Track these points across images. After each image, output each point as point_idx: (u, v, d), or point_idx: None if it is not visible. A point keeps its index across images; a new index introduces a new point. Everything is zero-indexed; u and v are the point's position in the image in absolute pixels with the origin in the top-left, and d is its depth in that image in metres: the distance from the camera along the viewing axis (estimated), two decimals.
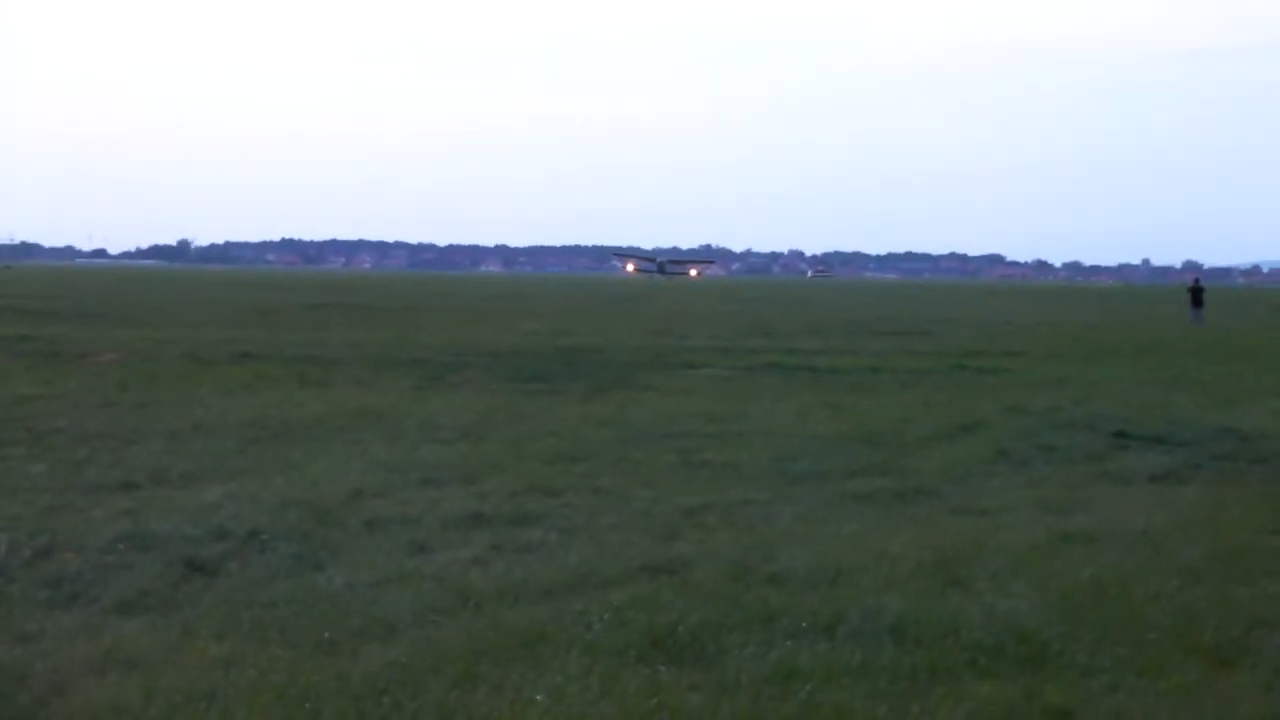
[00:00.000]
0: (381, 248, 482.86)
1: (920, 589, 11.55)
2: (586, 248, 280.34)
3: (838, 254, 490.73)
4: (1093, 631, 10.39)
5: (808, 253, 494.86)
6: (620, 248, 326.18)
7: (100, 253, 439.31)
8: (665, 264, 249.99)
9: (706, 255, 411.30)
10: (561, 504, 15.68)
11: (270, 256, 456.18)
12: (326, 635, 10.20)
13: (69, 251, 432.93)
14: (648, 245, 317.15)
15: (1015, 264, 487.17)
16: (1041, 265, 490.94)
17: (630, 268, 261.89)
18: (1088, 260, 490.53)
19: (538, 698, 8.87)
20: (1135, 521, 14.71)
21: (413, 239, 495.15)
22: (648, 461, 18.97)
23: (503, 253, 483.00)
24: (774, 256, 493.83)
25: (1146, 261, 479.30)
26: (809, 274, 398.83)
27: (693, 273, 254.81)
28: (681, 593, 11.32)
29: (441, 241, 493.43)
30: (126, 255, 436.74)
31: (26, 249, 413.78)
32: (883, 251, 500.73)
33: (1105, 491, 17.13)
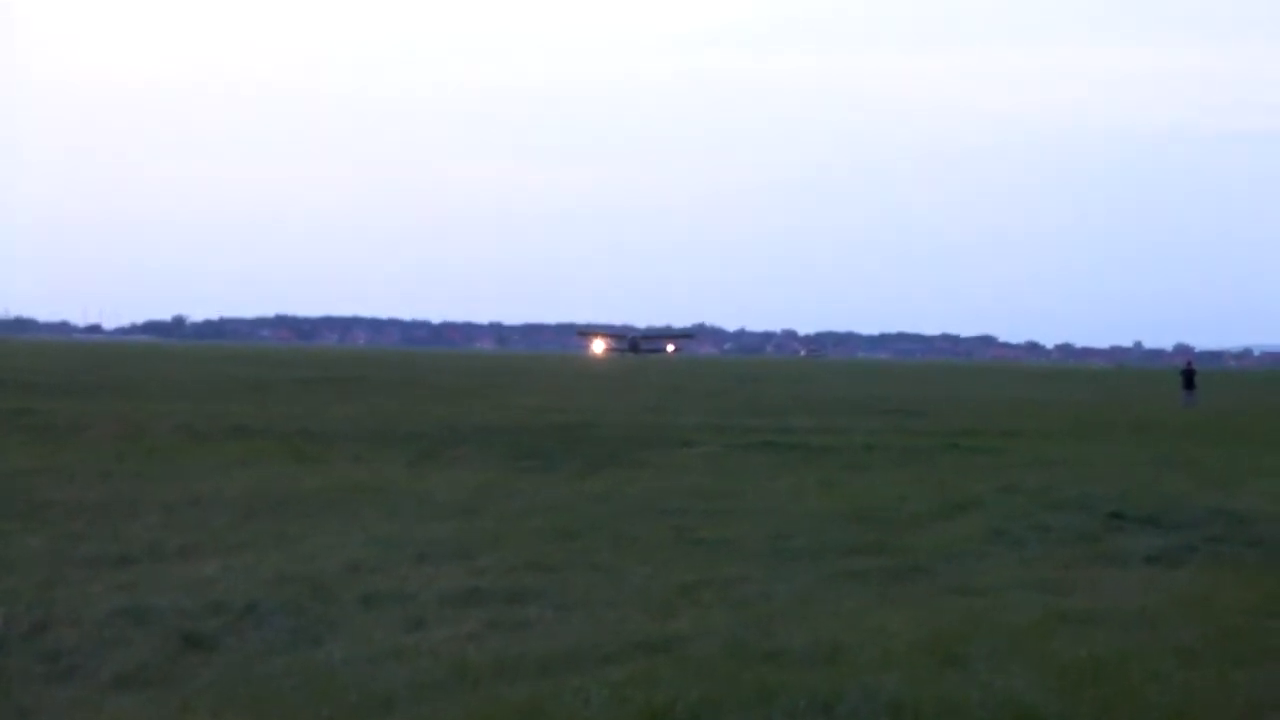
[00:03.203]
0: (375, 324, 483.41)
1: (918, 667, 11.54)
2: (585, 327, 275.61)
3: (831, 334, 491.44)
4: (1091, 711, 10.39)
5: (801, 332, 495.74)
6: (585, 325, 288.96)
7: (95, 328, 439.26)
8: (638, 341, 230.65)
9: (700, 333, 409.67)
10: (557, 580, 15.67)
11: (265, 332, 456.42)
12: (324, 711, 10.19)
13: (64, 327, 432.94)
14: (640, 324, 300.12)
15: (1007, 345, 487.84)
16: (1033, 346, 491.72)
17: (599, 348, 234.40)
18: (1080, 342, 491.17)
19: None
20: (1131, 602, 14.72)
21: (406, 316, 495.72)
22: (643, 538, 18.97)
23: (496, 330, 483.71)
24: (767, 336, 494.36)
25: (1139, 344, 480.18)
26: (802, 353, 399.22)
27: (669, 349, 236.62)
28: (679, 670, 11.32)
29: (435, 319, 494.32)
30: (121, 330, 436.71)
31: (21, 324, 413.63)
32: (875, 332, 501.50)
33: (1101, 572, 17.13)
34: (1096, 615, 14.05)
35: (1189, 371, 75.34)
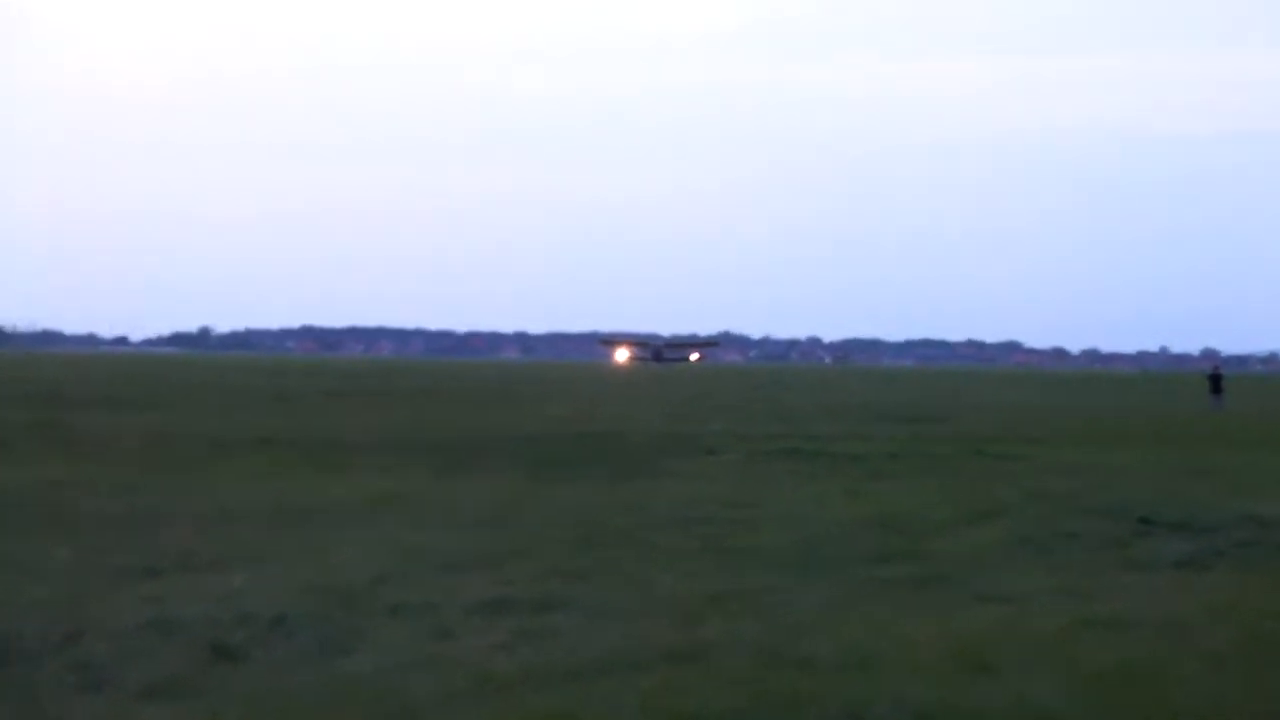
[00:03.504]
0: (401, 335, 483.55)
1: (946, 675, 11.52)
2: (608, 335, 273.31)
3: (855, 341, 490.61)
4: (1120, 718, 10.36)
5: (825, 339, 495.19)
6: (609, 334, 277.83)
7: (122, 340, 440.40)
8: (662, 349, 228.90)
9: (724, 340, 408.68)
10: (585, 589, 15.67)
11: (290, 343, 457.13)
12: None
13: (90, 339, 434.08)
14: (665, 332, 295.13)
15: (1033, 351, 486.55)
16: (1059, 352, 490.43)
17: (622, 356, 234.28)
18: (1105, 347, 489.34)
19: None
20: (1160, 608, 14.68)
21: (432, 326, 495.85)
22: (670, 547, 18.96)
23: (521, 339, 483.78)
24: (792, 343, 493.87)
25: (1164, 349, 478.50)
26: (828, 360, 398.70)
27: (693, 358, 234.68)
28: (707, 679, 11.31)
29: (460, 329, 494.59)
30: (148, 342, 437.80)
31: (48, 336, 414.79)
32: (900, 338, 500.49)
33: (1129, 578, 17.08)
34: (1125, 621, 14.01)
35: (1216, 376, 75.17)
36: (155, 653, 12.34)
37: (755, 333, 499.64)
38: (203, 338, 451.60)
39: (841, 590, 15.92)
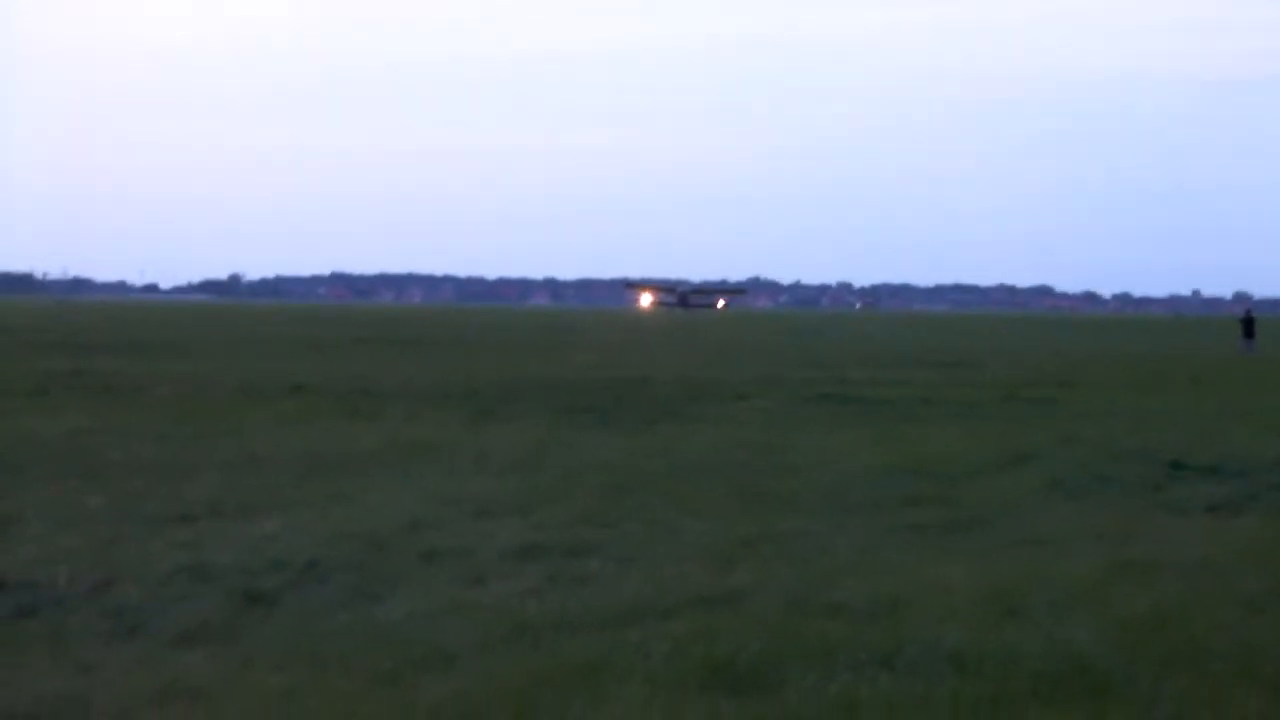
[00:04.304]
0: (431, 281, 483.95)
1: (979, 619, 11.50)
2: (634, 280, 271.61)
3: (886, 286, 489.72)
4: (1154, 661, 10.33)
5: (856, 284, 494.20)
6: (633, 279, 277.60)
7: (152, 287, 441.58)
8: (688, 294, 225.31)
9: (755, 286, 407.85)
10: (616, 535, 15.69)
11: (321, 290, 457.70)
12: (385, 667, 10.22)
13: (121, 287, 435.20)
14: (695, 277, 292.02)
15: (1064, 295, 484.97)
16: (1091, 297, 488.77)
17: (647, 301, 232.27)
18: (1137, 291, 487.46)
19: None
20: (1193, 552, 14.64)
21: (461, 273, 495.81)
22: (700, 493, 18.96)
23: (551, 286, 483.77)
24: (822, 289, 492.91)
25: (1196, 292, 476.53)
26: (857, 306, 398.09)
27: (720, 304, 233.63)
28: (739, 624, 11.31)
29: (490, 275, 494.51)
30: (178, 290, 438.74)
31: (79, 284, 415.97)
32: (931, 283, 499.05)
33: (1162, 522, 17.04)
34: (1158, 565, 13.97)
35: (1248, 319, 74.81)
36: (188, 599, 12.39)
37: (786, 278, 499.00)
38: (233, 285, 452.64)
39: (873, 535, 15.91)
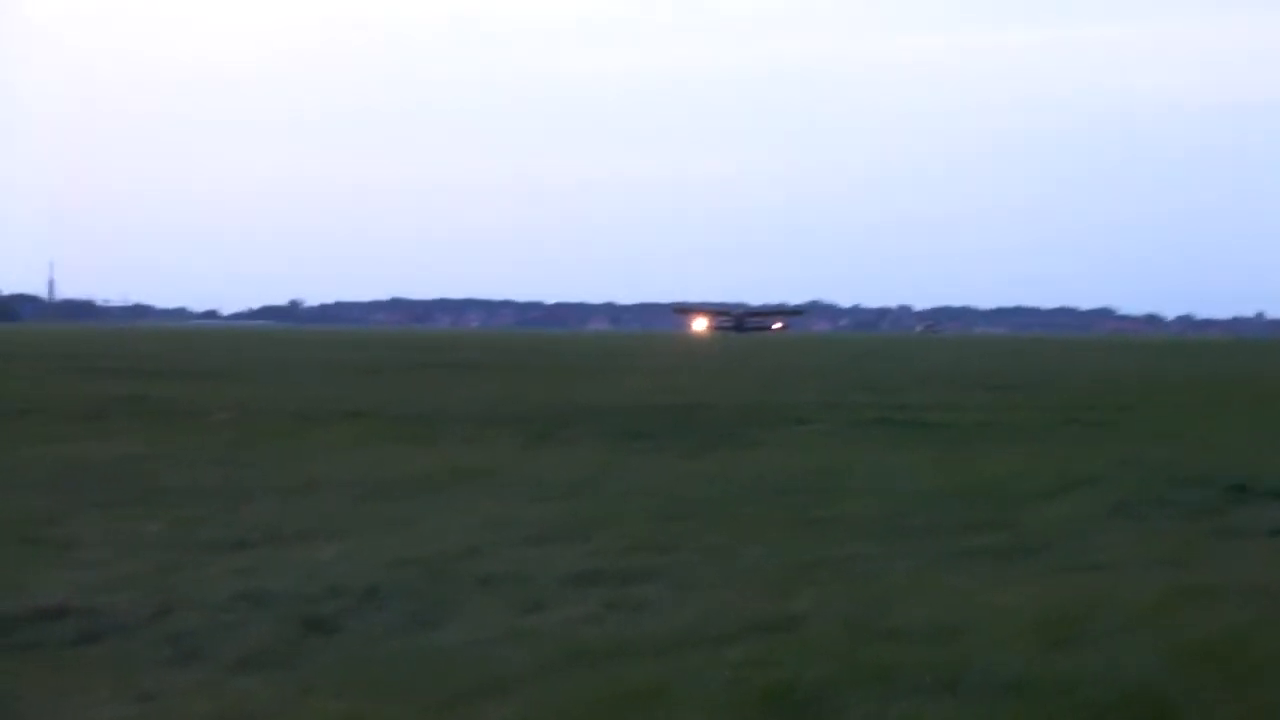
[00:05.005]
0: (489, 306, 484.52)
1: (1038, 645, 11.43)
2: (686, 304, 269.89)
3: (946, 309, 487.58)
4: (1215, 689, 10.24)
5: (916, 307, 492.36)
6: (683, 303, 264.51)
7: (212, 314, 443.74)
8: (744, 317, 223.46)
9: (814, 309, 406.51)
10: (672, 561, 15.65)
11: (379, 316, 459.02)
12: (444, 693, 10.22)
13: (181, 313, 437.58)
14: (754, 301, 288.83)
15: (1126, 318, 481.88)
16: (1153, 319, 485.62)
17: (701, 325, 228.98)
18: (1200, 313, 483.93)
19: None
20: (1256, 577, 14.51)
21: (520, 297, 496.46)
22: (757, 517, 18.91)
23: (610, 310, 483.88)
24: (882, 312, 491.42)
25: (1260, 314, 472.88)
26: (918, 329, 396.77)
27: (776, 326, 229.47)
28: (797, 649, 11.27)
29: (549, 300, 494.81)
30: (238, 316, 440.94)
31: (139, 310, 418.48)
32: (991, 306, 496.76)
33: (1224, 546, 16.89)
34: (1220, 590, 13.84)
35: None
36: (247, 625, 12.42)
37: (845, 301, 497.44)
38: (292, 310, 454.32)
39: (931, 560, 15.82)
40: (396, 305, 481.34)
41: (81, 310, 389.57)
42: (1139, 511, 19.68)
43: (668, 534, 17.35)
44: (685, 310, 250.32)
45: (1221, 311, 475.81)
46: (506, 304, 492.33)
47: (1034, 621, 12.27)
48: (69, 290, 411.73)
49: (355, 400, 41.93)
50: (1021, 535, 17.55)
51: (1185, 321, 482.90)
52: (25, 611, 12.72)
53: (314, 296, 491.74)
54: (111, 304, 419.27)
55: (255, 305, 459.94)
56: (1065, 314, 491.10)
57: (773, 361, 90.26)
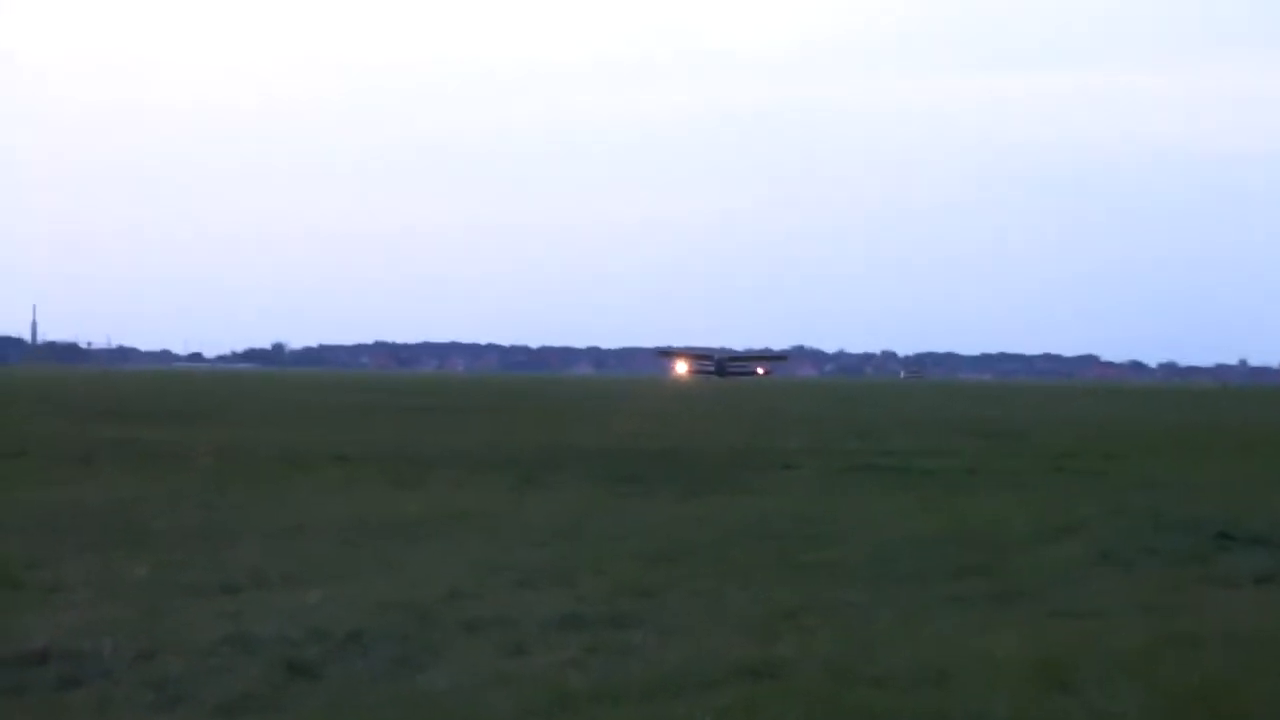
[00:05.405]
0: (474, 350, 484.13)
1: (1026, 692, 11.41)
2: (669, 348, 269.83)
3: (930, 355, 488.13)
4: None
5: (900, 353, 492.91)
6: (668, 347, 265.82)
7: (196, 356, 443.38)
8: (725, 362, 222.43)
9: (799, 354, 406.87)
10: (659, 605, 15.62)
11: (364, 359, 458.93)
12: None
13: (165, 355, 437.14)
14: (739, 346, 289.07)
15: (1110, 364, 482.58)
16: (1137, 365, 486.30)
17: (683, 369, 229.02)
18: (1184, 360, 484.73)
19: None
20: (1242, 623, 14.50)
21: (505, 341, 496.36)
22: (744, 562, 18.89)
23: (594, 354, 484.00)
24: (866, 357, 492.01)
25: (1243, 361, 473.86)
26: (902, 374, 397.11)
27: (759, 371, 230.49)
28: (783, 695, 11.24)
29: (534, 344, 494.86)
30: (222, 358, 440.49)
31: (123, 353, 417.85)
32: (976, 352, 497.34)
33: (1210, 593, 16.89)
34: (1206, 637, 13.84)
35: None
36: (231, 670, 12.37)
37: (830, 347, 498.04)
38: (276, 354, 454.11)
39: (918, 605, 15.80)
40: (381, 348, 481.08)
41: (66, 353, 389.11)
42: (1125, 558, 19.68)
43: (654, 578, 17.32)
44: (668, 354, 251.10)
45: (1205, 358, 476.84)
46: (491, 347, 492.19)
47: (1021, 668, 12.25)
48: (53, 333, 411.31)
49: (341, 443, 41.87)
50: (1008, 581, 17.53)
51: (1169, 368, 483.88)
52: (8, 655, 12.66)
53: (298, 339, 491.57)
54: (95, 346, 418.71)
55: (239, 348, 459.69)
56: (1049, 360, 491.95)
57: (759, 406, 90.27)
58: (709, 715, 10.52)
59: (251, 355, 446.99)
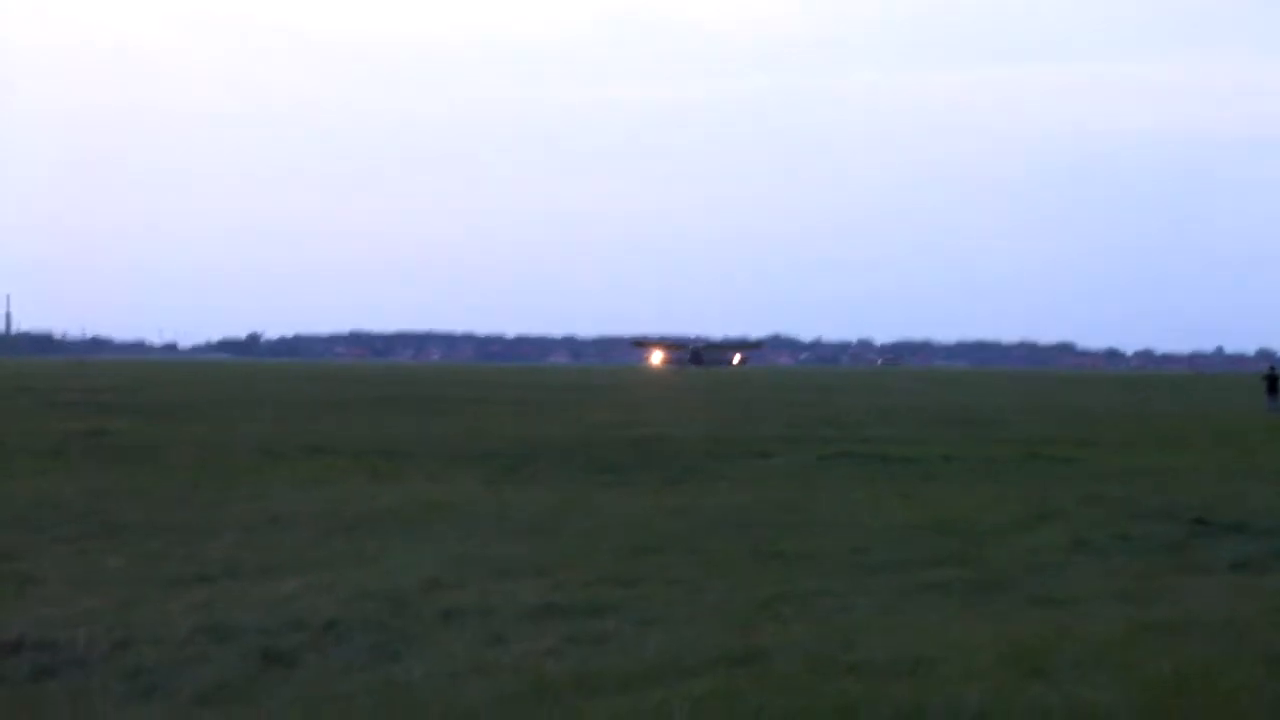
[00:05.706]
0: (450, 340, 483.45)
1: (1001, 680, 11.41)
2: (644, 338, 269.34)
3: (907, 343, 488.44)
4: None
5: (877, 342, 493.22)
6: (643, 336, 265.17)
7: (171, 346, 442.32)
8: (701, 351, 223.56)
9: (775, 343, 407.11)
10: (636, 595, 15.61)
11: (339, 349, 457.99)
12: None
13: (140, 346, 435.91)
14: (716, 335, 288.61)
15: (1086, 353, 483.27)
16: (1113, 354, 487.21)
17: (657, 358, 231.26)
18: (1160, 348, 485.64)
19: None
20: (1218, 611, 14.53)
21: (481, 331, 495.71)
22: (722, 552, 18.88)
23: (570, 344, 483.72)
24: (843, 346, 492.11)
25: (1219, 349, 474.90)
26: (878, 363, 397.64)
27: (735, 360, 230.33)
28: (761, 684, 11.23)
29: (509, 333, 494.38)
30: (197, 349, 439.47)
31: (98, 344, 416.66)
32: (952, 340, 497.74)
33: (1186, 581, 16.92)
34: (1182, 625, 13.86)
35: (1272, 376, 74.59)
36: (207, 660, 12.33)
37: (806, 335, 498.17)
38: (251, 344, 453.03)
39: (895, 594, 15.81)
40: (356, 339, 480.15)
41: (40, 343, 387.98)
42: (1102, 546, 19.72)
43: (631, 568, 17.31)
44: (644, 344, 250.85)
45: (1181, 346, 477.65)
46: (467, 337, 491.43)
47: (997, 656, 12.25)
48: (26, 323, 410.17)
49: (317, 435, 41.81)
50: (985, 570, 17.55)
51: (1145, 356, 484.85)
52: None
53: (273, 329, 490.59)
54: (70, 337, 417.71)
55: (214, 338, 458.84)
56: (1025, 349, 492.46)
57: (734, 395, 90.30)
58: (687, 704, 10.51)
59: (226, 345, 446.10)
